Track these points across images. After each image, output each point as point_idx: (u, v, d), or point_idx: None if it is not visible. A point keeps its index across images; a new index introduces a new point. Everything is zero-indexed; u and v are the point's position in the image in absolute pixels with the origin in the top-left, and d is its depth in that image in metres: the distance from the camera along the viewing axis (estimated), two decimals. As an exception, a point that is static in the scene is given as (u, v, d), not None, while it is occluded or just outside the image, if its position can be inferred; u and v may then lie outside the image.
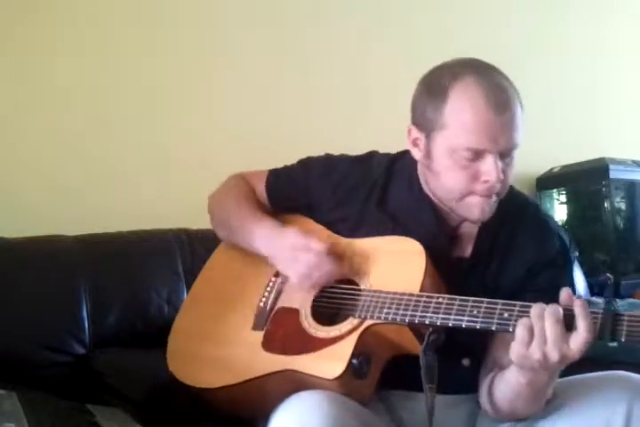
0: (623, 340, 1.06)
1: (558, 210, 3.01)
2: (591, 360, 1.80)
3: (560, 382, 1.25)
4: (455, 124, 1.22)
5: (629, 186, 2.91)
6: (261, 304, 1.38)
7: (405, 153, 1.39)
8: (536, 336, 1.07)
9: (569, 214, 2.99)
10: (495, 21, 2.90)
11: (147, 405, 1.48)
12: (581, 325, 1.06)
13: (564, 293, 1.11)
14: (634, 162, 2.89)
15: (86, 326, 1.71)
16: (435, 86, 1.25)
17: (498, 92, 1.21)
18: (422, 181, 1.36)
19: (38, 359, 1.65)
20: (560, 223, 2.99)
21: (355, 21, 2.58)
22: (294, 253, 1.31)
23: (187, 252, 1.89)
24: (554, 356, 1.07)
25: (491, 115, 1.19)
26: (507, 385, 1.21)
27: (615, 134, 3.13)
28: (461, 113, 1.21)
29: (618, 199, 2.88)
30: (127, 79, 2.20)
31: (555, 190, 2.99)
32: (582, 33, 3.11)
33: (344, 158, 1.46)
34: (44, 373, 1.64)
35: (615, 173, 2.81)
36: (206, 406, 1.36)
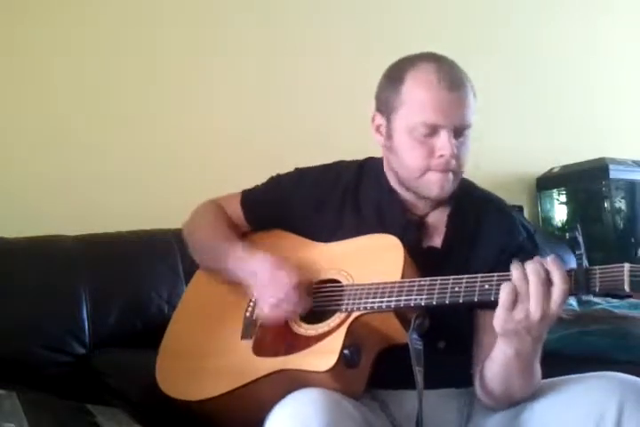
0: (597, 290, 1.11)
1: (558, 210, 3.01)
2: (589, 359, 1.81)
3: (552, 380, 1.28)
4: (411, 102, 1.32)
5: (629, 186, 2.92)
6: (247, 314, 1.39)
7: (371, 158, 1.48)
8: (520, 297, 1.12)
9: (569, 214, 2.99)
10: (493, 21, 2.91)
11: (147, 405, 1.48)
12: (556, 276, 1.11)
13: (535, 259, 1.15)
14: (634, 162, 2.89)
15: (86, 326, 1.71)
16: (393, 73, 1.37)
17: (450, 72, 1.32)
18: (387, 172, 1.43)
19: (38, 359, 1.65)
20: (560, 223, 2.99)
21: (354, 22, 2.58)
22: (264, 282, 1.34)
23: (187, 252, 1.89)
24: (536, 314, 1.11)
25: (443, 92, 1.29)
26: (495, 362, 1.24)
27: (615, 134, 3.13)
28: (416, 91, 1.31)
29: (618, 199, 2.89)
30: (127, 79, 2.20)
31: (555, 190, 2.99)
32: (582, 32, 3.11)
33: (313, 168, 1.51)
34: (44, 373, 1.64)
35: (615, 173, 2.82)
36: (200, 420, 1.36)
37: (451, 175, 1.34)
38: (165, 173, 2.22)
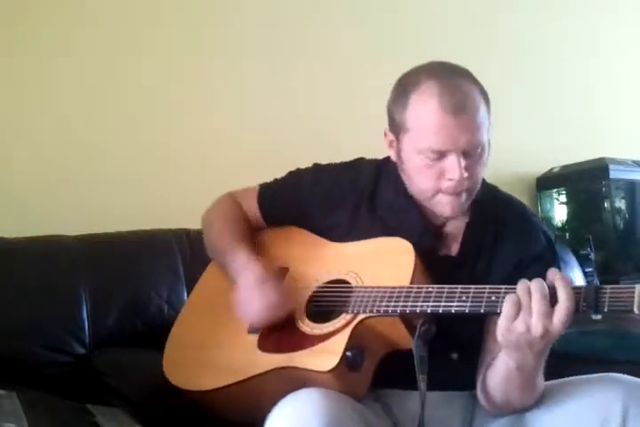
0: (606, 310, 1.08)
1: (558, 210, 3.01)
2: (588, 359, 1.81)
3: (554, 382, 1.28)
4: (416, 127, 1.28)
5: (629, 186, 2.92)
6: None
7: (390, 159, 1.44)
8: (522, 310, 1.11)
9: (569, 214, 2.99)
10: (493, 21, 2.90)
11: (147, 405, 1.48)
12: (562, 294, 1.09)
13: (550, 272, 1.14)
14: (634, 162, 2.90)
15: (86, 326, 1.71)
16: (400, 91, 1.32)
17: (455, 94, 1.25)
18: None
19: (38, 359, 1.65)
20: (560, 223, 3.00)
21: (354, 22, 2.58)
22: (248, 298, 1.36)
23: (187, 252, 1.90)
24: (537, 329, 1.09)
25: (448, 117, 1.24)
26: (497, 373, 1.24)
27: (615, 134, 3.13)
28: (420, 116, 1.27)
29: (618, 199, 2.89)
30: (127, 79, 2.20)
31: (555, 190, 2.99)
32: (582, 32, 3.11)
33: (332, 166, 1.49)
34: (45, 373, 1.65)
35: (615, 173, 2.82)
36: (203, 411, 1.37)
37: (464, 195, 1.30)
38: (165, 173, 2.22)
